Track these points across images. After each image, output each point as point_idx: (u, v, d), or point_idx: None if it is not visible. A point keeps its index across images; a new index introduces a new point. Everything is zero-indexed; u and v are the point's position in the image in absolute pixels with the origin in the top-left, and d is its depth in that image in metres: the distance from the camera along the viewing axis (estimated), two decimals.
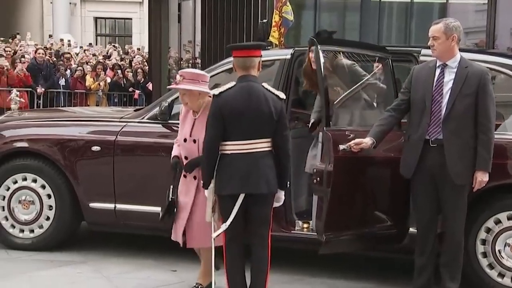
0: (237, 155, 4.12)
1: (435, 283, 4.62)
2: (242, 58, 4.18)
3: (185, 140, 4.54)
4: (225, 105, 4.09)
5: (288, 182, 4.35)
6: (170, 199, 4.50)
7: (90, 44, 22.96)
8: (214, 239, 4.23)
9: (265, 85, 4.22)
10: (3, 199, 5.74)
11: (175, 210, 4.52)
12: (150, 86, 14.08)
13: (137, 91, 14.82)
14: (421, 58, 5.04)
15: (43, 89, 13.86)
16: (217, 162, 4.15)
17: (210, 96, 4.38)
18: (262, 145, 4.15)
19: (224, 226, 4.14)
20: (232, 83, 4.17)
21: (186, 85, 4.48)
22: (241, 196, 4.11)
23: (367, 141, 4.56)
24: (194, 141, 4.48)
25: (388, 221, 4.89)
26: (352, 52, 5.09)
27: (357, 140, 4.57)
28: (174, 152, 4.64)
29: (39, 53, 14.48)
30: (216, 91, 4.15)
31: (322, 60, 4.74)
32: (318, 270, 5.27)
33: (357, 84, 5.22)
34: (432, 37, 4.50)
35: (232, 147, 4.13)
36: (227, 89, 4.14)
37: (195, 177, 4.50)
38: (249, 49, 4.20)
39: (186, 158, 4.52)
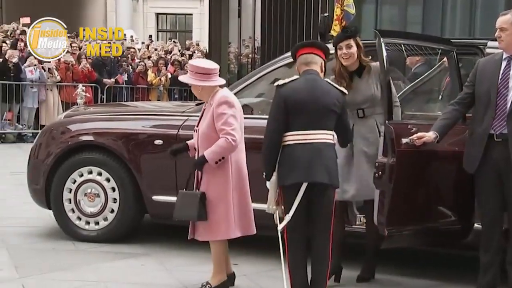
0: (298, 145, 4.11)
1: (502, 281, 4.52)
2: (305, 54, 4.18)
3: (194, 130, 4.64)
4: (290, 96, 4.10)
5: None
6: (200, 193, 4.48)
7: (150, 36, 23.31)
8: (280, 232, 4.21)
9: (329, 80, 4.24)
10: (70, 192, 5.87)
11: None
12: None
13: None
14: (487, 50, 4.93)
15: (111, 80, 14.20)
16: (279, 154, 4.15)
17: (221, 87, 4.55)
18: (323, 136, 4.14)
19: (288, 217, 4.12)
20: (296, 76, 4.18)
21: (184, 76, 4.65)
22: (304, 186, 4.09)
23: (430, 135, 4.50)
24: (196, 130, 4.57)
25: (452, 216, 4.80)
26: (414, 45, 5.01)
27: (419, 134, 4.51)
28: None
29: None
30: (280, 82, 4.15)
31: (385, 53, 4.68)
32: (380, 265, 5.22)
33: (420, 78, 5.16)
34: (499, 28, 4.39)
35: (293, 137, 4.12)
36: (291, 81, 4.15)
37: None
38: (312, 47, 4.19)
39: (195, 149, 4.59)
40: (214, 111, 4.43)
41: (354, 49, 4.83)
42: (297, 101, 4.09)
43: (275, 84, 4.17)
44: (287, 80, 4.16)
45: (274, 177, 4.17)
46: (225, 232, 4.51)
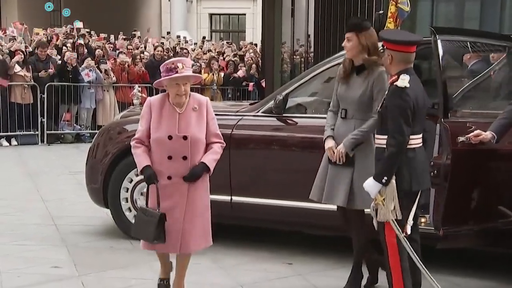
0: (418, 149, 4.06)
1: None
2: (409, 53, 4.00)
3: (170, 137, 4.08)
4: (417, 98, 3.95)
5: None
6: (160, 214, 4.05)
7: (204, 37, 23.54)
8: (403, 239, 3.97)
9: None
10: (127, 191, 5.96)
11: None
12: (263, 83, 14.25)
13: (251, 83, 15.14)
14: None
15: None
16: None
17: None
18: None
19: (411, 221, 4.01)
20: (407, 76, 3.93)
21: (194, 74, 4.27)
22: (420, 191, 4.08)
23: (487, 134, 4.40)
24: (185, 137, 4.07)
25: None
26: (472, 42, 4.92)
27: (476, 132, 4.43)
28: (144, 161, 4.11)
29: (158, 51, 14.95)
30: (403, 83, 3.89)
31: (440, 51, 4.61)
32: (436, 265, 5.14)
33: (478, 76, 5.06)
34: None
35: (415, 141, 4.02)
36: (408, 82, 3.92)
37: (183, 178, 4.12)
38: (416, 45, 4.07)
39: (170, 158, 4.08)
40: (208, 115, 4.17)
41: (352, 43, 4.46)
42: (420, 104, 3.97)
43: (398, 85, 3.89)
44: (405, 81, 3.89)
45: (393, 181, 3.95)
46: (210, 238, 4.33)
